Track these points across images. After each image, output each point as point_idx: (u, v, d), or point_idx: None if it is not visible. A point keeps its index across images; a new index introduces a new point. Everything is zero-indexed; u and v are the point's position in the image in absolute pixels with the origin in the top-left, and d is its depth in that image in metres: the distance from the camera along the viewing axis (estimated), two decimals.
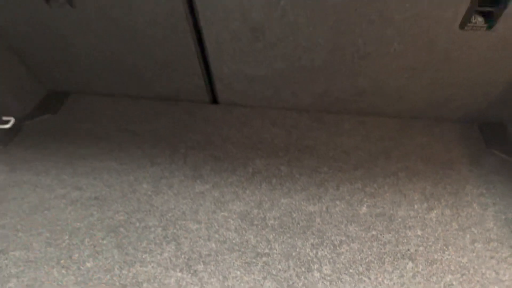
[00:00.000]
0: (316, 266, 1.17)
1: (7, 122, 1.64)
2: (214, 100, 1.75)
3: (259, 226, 1.27)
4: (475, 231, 1.26)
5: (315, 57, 1.39)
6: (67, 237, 1.26)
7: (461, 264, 1.17)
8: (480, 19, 1.21)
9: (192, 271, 1.16)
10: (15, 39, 1.54)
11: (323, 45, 1.34)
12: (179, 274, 1.15)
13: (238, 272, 1.16)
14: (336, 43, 1.32)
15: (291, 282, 1.13)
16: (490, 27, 1.20)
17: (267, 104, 1.68)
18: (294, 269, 1.16)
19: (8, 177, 1.46)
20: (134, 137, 1.59)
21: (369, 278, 1.14)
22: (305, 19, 1.26)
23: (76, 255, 1.22)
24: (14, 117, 1.66)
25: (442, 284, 1.13)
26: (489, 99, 1.48)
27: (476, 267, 1.17)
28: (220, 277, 1.14)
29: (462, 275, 1.15)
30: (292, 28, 1.29)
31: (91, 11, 1.36)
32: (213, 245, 1.23)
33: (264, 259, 1.19)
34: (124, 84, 1.71)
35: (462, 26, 1.21)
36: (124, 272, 1.17)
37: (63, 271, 1.18)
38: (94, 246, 1.24)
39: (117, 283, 1.14)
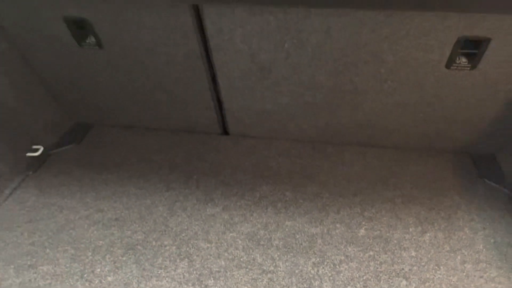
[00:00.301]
0: (317, 282, 1.27)
1: (37, 150, 1.80)
2: (225, 132, 1.91)
3: (265, 246, 1.39)
4: (466, 253, 1.35)
5: (317, 94, 1.54)
6: (90, 253, 1.39)
7: (452, 283, 1.27)
8: (464, 60, 1.36)
9: (203, 286, 1.27)
10: (47, 75, 1.73)
11: (324, 83, 1.49)
12: None
13: (245, 287, 1.27)
14: (335, 81, 1.48)
15: None
16: (473, 67, 1.35)
17: (274, 136, 1.83)
18: (296, 285, 1.27)
19: (37, 199, 1.61)
20: (152, 164, 1.74)
21: None
22: (307, 60, 1.42)
23: (98, 269, 1.34)
24: (43, 146, 1.83)
25: None
26: (479, 132, 1.61)
27: (466, 285, 1.26)
28: None
29: None
30: (296, 68, 1.46)
31: (117, 52, 1.54)
32: (223, 262, 1.34)
33: (269, 275, 1.30)
34: (144, 117, 1.88)
35: (448, 66, 1.35)
36: (142, 285, 1.28)
37: (86, 284, 1.29)
38: (114, 262, 1.36)
39: None
